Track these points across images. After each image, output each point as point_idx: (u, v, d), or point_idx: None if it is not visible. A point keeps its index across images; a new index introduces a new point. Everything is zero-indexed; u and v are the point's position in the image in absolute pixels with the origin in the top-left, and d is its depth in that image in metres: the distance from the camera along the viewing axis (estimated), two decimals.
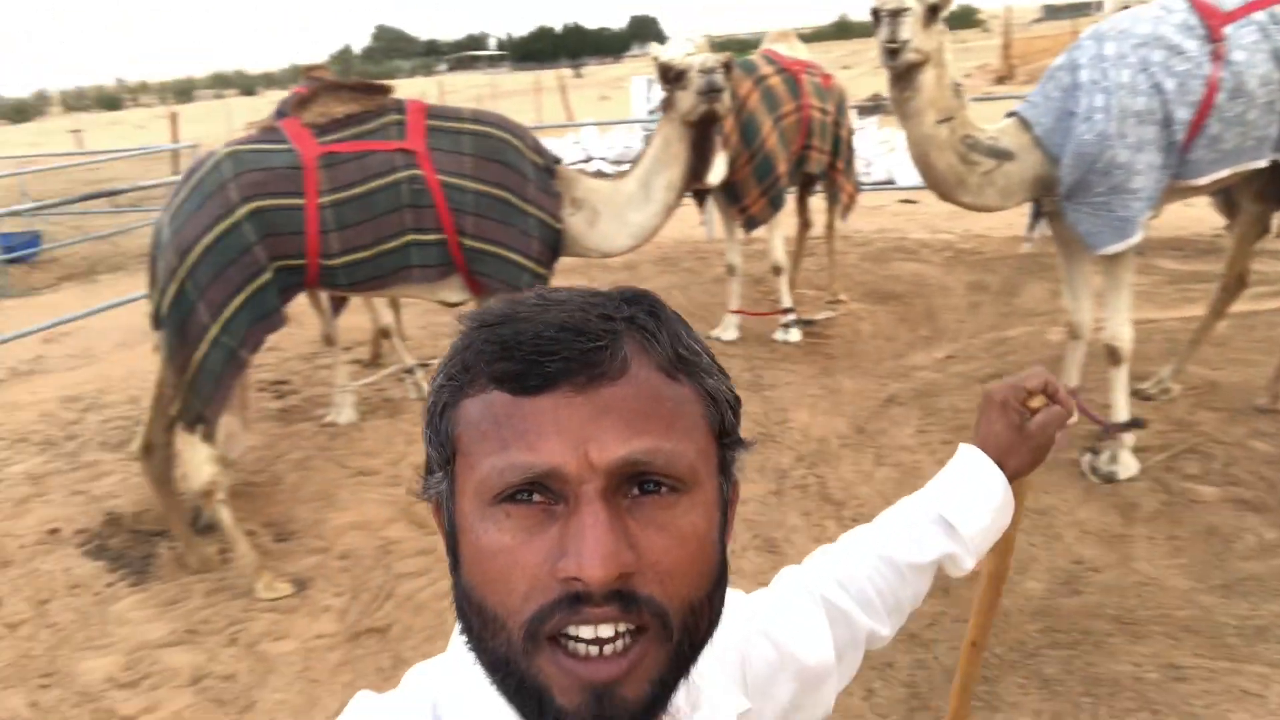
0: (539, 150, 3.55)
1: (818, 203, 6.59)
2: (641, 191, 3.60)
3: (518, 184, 3.44)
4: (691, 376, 0.64)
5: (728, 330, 5.91)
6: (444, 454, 0.63)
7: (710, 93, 3.40)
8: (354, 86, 3.28)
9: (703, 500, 0.63)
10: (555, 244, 3.60)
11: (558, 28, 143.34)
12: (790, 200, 5.98)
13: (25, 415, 5.32)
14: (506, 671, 0.60)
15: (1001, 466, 1.03)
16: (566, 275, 5.15)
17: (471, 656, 0.63)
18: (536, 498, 0.59)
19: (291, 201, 3.12)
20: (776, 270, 5.72)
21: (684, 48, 3.64)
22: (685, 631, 0.61)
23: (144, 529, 3.88)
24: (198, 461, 3.23)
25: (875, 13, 3.21)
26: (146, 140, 25.01)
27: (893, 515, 1.07)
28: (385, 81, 3.31)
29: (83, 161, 14.72)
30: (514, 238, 3.44)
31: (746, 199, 5.33)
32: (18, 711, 2.84)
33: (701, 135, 3.53)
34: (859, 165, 7.30)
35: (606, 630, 0.58)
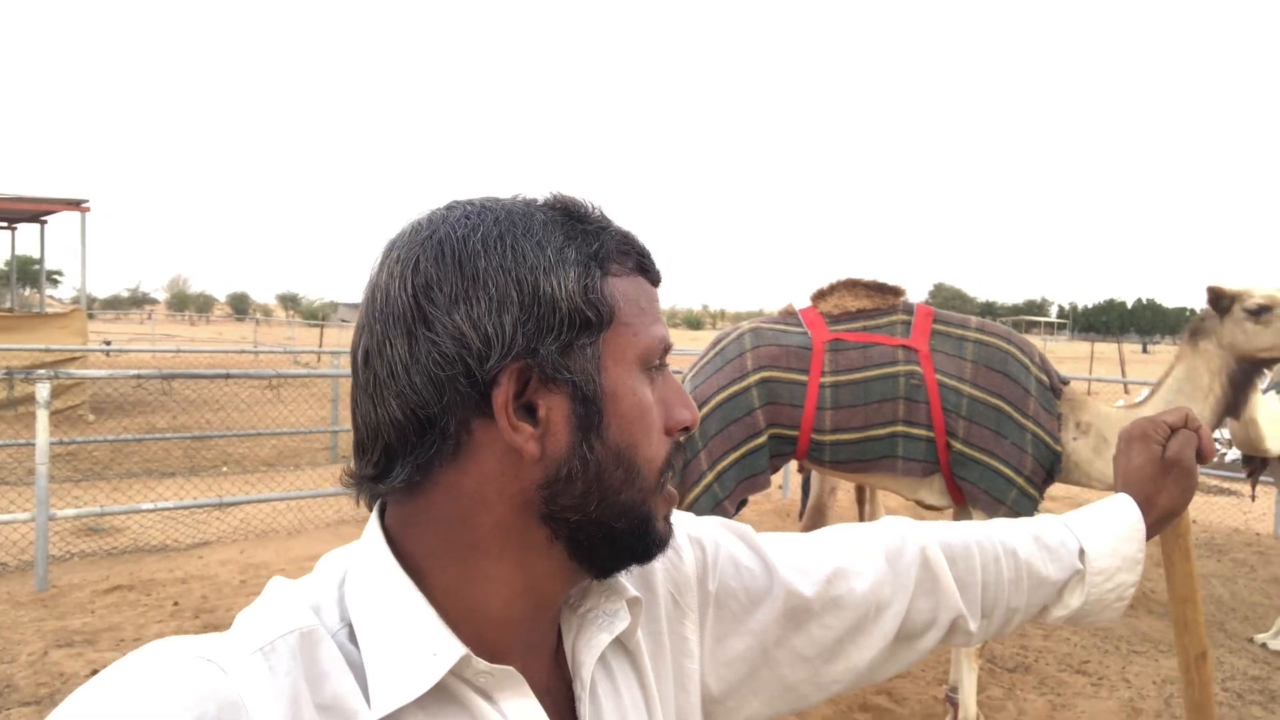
0: (1045, 368, 3.47)
1: None
2: None
3: (1017, 397, 3.38)
4: None
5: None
6: (599, 319, 0.66)
7: None
8: (869, 285, 3.58)
9: None
10: (1052, 466, 3.42)
11: (1130, 302, 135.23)
12: None
13: None
14: (634, 515, 0.69)
15: (1151, 504, 1.00)
16: None
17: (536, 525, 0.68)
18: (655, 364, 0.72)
19: (797, 377, 3.44)
20: None
21: None
22: None
23: None
24: None
25: None
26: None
27: (1027, 525, 0.98)
28: (899, 285, 3.56)
29: None
30: (1006, 450, 3.35)
31: None
32: None
33: (1246, 375, 3.16)
34: None
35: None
